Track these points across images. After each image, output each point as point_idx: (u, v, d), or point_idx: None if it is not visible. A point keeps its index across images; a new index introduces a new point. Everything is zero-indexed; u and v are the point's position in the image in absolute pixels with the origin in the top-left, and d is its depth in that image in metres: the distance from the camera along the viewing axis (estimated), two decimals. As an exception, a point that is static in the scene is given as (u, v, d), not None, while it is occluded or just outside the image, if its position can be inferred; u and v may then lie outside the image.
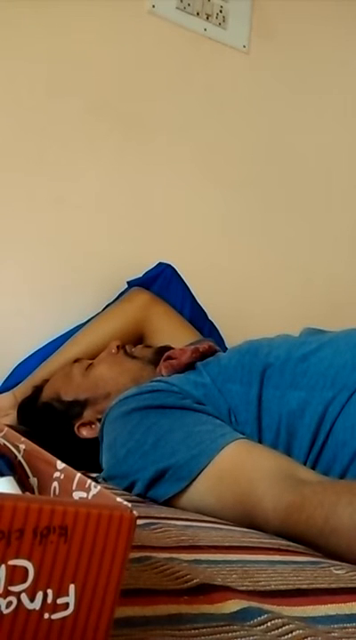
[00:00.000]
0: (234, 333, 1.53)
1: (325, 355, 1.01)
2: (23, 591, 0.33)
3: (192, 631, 0.44)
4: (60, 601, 0.34)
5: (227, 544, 0.71)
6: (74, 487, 0.44)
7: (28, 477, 0.53)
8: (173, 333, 1.42)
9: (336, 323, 1.28)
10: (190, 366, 1.15)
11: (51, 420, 1.23)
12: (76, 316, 1.53)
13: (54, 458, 0.50)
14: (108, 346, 1.31)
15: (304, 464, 0.93)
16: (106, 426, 1.07)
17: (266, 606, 0.50)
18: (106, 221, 1.64)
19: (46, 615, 0.33)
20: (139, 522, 0.71)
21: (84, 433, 1.20)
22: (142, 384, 1.11)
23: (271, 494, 0.80)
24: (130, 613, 0.44)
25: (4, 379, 1.48)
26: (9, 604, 0.32)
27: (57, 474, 0.48)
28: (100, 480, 1.03)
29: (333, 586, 0.58)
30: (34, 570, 0.33)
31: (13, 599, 0.33)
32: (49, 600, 0.33)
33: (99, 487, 0.41)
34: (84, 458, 1.09)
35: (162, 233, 1.71)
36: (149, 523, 0.74)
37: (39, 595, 0.33)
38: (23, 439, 0.56)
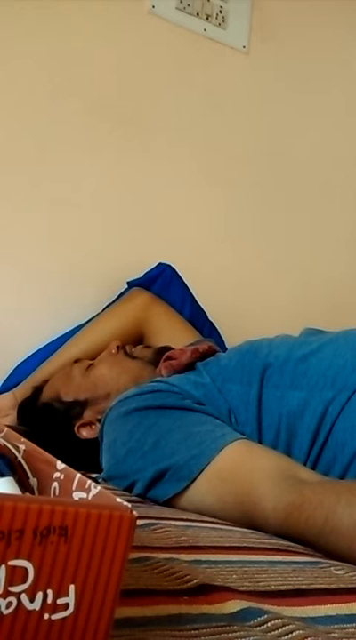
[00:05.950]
0: (234, 333, 1.53)
1: (325, 355, 1.01)
2: (23, 591, 0.33)
3: (192, 631, 0.44)
4: (60, 601, 0.34)
5: (227, 544, 0.71)
6: (74, 487, 0.44)
7: (28, 478, 0.53)
8: (173, 333, 1.42)
9: (336, 323, 1.28)
10: (189, 366, 1.15)
11: (51, 421, 1.23)
12: (76, 316, 1.53)
13: (54, 458, 0.50)
14: (108, 346, 1.31)
15: (304, 464, 0.93)
16: (106, 426, 1.07)
17: (266, 607, 0.50)
18: (106, 221, 1.64)
19: (46, 615, 0.33)
20: (139, 522, 0.71)
21: (84, 433, 1.20)
22: (142, 384, 1.11)
23: (270, 494, 0.80)
24: (130, 614, 0.44)
25: (4, 379, 1.47)
26: (9, 604, 0.32)
27: (57, 474, 0.48)
28: (100, 480, 1.03)
29: (333, 586, 0.58)
30: (34, 570, 0.33)
31: (13, 599, 0.33)
32: (49, 600, 0.33)
33: (99, 487, 0.41)
34: (84, 458, 1.09)
35: (162, 233, 1.71)
36: (149, 523, 0.74)
37: (39, 595, 0.33)
38: (23, 439, 0.56)
